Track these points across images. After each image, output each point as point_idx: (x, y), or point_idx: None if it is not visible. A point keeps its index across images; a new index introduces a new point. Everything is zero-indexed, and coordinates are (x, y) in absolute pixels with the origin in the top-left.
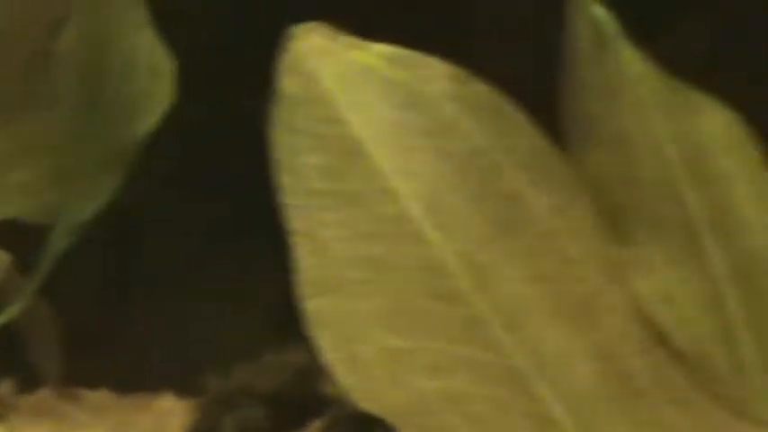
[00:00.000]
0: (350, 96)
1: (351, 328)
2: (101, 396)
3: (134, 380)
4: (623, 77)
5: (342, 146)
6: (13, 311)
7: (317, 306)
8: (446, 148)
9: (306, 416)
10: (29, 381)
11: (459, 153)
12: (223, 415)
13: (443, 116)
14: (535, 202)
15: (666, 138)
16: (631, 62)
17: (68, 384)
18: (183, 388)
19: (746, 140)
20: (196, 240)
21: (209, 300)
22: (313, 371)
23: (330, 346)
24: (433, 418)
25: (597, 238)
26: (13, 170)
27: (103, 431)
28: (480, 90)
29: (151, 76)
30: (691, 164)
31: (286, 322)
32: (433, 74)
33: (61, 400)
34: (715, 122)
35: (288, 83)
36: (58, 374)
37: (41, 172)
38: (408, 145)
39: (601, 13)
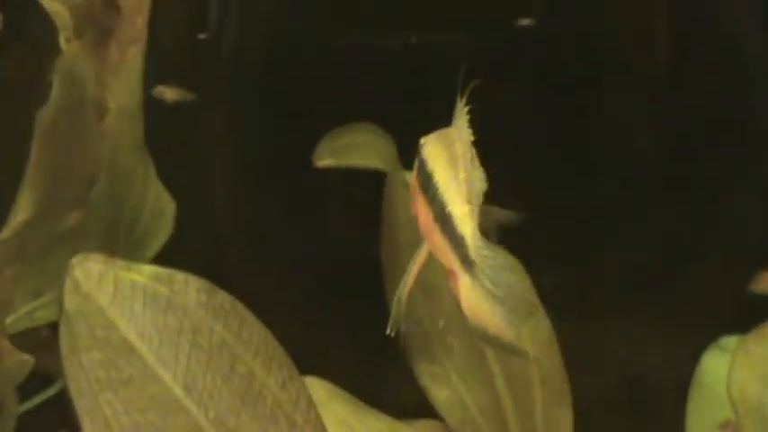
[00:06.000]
0: (120, 307)
1: None
2: None
3: None
4: None
5: (115, 345)
6: None
7: None
8: (198, 343)
9: None
10: None
11: (209, 346)
12: None
13: (196, 319)
14: (267, 380)
15: None
16: None
17: None
18: None
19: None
20: None
21: None
22: None
23: None
24: None
25: (313, 407)
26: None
27: None
28: (224, 298)
29: (155, 217)
30: None
31: None
32: (188, 287)
33: None
34: None
35: (69, 301)
36: None
37: None
38: (168, 341)
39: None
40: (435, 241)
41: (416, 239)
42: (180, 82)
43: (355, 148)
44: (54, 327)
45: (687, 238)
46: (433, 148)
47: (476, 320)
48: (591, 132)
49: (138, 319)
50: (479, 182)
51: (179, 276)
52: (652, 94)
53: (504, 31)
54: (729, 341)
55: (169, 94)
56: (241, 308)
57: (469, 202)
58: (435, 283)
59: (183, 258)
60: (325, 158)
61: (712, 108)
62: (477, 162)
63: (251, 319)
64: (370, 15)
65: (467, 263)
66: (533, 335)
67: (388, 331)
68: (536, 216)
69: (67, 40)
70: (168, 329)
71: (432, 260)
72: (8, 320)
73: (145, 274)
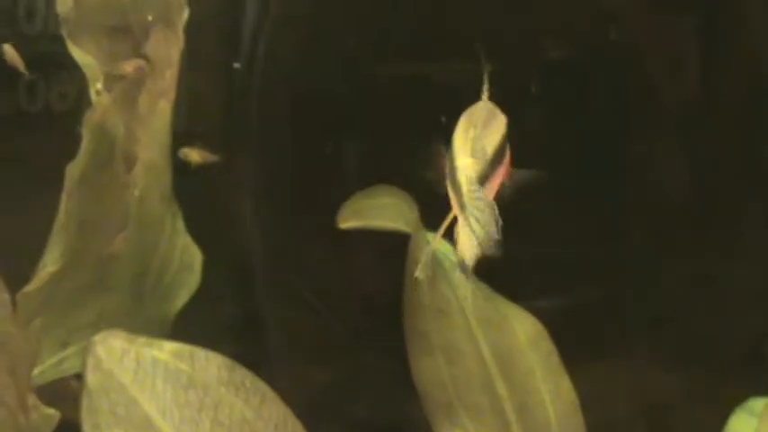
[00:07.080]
0: (141, 383)
1: None
2: None
3: None
4: (455, 298)
5: (137, 421)
6: None
7: None
8: (219, 419)
9: None
10: None
11: (229, 422)
12: None
13: (217, 395)
14: None
15: (484, 342)
16: (460, 285)
17: None
18: None
19: (546, 338)
20: None
21: None
22: None
23: None
24: None
25: None
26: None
27: None
28: (244, 375)
29: (182, 269)
30: (502, 361)
31: None
32: (209, 364)
33: None
34: (520, 326)
35: (91, 377)
36: None
37: None
38: (189, 417)
39: (442, 246)
40: (451, 195)
41: (437, 300)
42: (212, 118)
43: (379, 210)
44: (81, 378)
45: (719, 292)
46: (463, 118)
47: (464, 257)
48: (616, 165)
49: (159, 396)
50: (490, 140)
51: (200, 353)
52: (682, 132)
53: (536, 63)
54: (758, 404)
55: (194, 156)
56: (261, 384)
57: (473, 156)
58: (458, 347)
59: (210, 310)
60: (348, 220)
61: (745, 149)
62: (496, 125)
63: (271, 395)
64: (404, 45)
65: (461, 207)
66: (556, 398)
67: (416, 274)
68: (559, 256)
69: (98, 93)
70: (189, 406)
71: (451, 324)
72: (35, 372)
73: (166, 350)
